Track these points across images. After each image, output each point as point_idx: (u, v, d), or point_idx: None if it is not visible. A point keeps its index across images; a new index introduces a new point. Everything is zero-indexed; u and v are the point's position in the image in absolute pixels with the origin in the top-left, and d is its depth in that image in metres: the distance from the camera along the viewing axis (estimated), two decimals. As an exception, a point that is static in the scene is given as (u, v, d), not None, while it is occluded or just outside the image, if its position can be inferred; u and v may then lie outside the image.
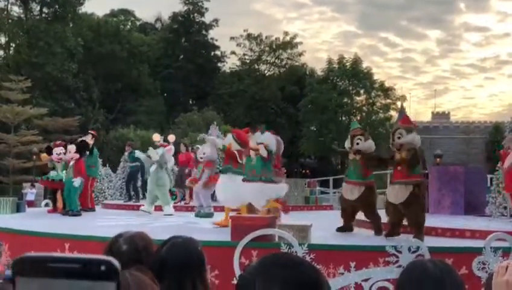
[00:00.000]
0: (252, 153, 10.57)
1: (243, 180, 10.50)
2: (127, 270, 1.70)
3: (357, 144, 10.05)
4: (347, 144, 10.34)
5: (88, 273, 0.86)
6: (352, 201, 9.98)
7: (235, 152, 11.17)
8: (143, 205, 14.91)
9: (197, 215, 13.27)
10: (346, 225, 10.38)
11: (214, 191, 12.53)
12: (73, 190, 13.60)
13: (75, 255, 0.90)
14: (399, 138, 9.11)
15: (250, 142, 10.80)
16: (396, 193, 8.99)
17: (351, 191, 9.98)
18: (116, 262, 0.88)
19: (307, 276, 1.39)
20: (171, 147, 14.74)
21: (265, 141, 10.51)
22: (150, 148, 14.65)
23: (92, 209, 15.29)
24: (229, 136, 11.72)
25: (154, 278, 2.13)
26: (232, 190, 10.76)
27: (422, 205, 9.21)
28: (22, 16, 51.04)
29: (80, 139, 15.03)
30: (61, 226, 10.72)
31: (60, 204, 14.51)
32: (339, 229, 10.33)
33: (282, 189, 10.80)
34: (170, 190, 14.81)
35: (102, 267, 0.87)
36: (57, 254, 0.89)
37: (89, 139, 15.07)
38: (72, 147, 13.90)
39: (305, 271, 1.41)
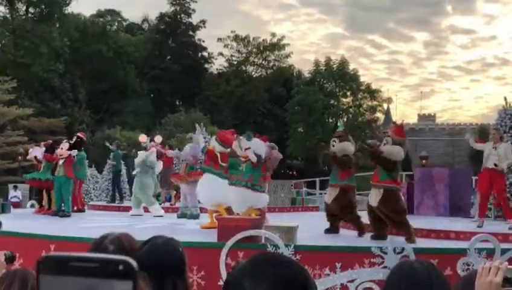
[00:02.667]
0: (242, 160, 10.51)
1: (229, 184, 10.44)
2: None
3: (333, 146, 10.18)
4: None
5: (107, 272, 0.90)
6: (330, 204, 10.16)
7: (217, 154, 11.12)
8: (128, 205, 14.91)
9: (179, 217, 13.28)
10: (332, 226, 10.46)
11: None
12: (65, 190, 13.58)
13: (95, 254, 0.95)
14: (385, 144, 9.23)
15: (236, 147, 10.75)
16: (371, 195, 9.26)
17: (329, 194, 10.17)
18: (134, 262, 0.93)
19: (296, 274, 1.40)
20: (154, 150, 14.64)
21: (253, 147, 10.50)
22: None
23: (82, 210, 15.31)
24: (213, 138, 11.74)
25: (146, 277, 2.11)
26: (210, 190, 10.80)
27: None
28: (8, 15, 50.65)
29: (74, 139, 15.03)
30: (47, 227, 10.68)
31: (45, 203, 14.45)
32: (327, 231, 10.40)
33: (265, 200, 10.80)
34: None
35: (120, 267, 0.91)
36: (78, 253, 0.94)
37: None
38: (65, 145, 13.88)
39: (295, 269, 1.42)
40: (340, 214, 10.32)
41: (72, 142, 14.38)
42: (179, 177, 13.18)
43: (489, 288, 1.98)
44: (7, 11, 50.63)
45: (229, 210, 10.80)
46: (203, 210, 12.88)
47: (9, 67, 45.01)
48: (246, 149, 10.28)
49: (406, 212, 9.51)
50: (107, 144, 20.12)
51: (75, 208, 14.92)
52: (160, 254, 2.57)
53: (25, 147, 34.25)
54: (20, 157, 33.62)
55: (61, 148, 13.82)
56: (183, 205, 13.47)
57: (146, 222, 12.40)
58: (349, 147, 10.36)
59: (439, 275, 2.09)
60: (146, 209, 14.53)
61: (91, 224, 11.60)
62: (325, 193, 24.87)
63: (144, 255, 2.55)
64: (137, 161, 14.26)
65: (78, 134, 15.76)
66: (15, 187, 24.92)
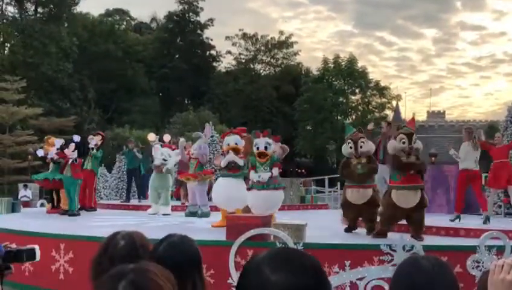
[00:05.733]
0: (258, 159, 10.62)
1: (249, 189, 10.59)
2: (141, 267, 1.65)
3: (361, 147, 9.89)
4: (346, 150, 10.10)
5: None
6: (360, 205, 9.78)
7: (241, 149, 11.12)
8: (137, 204, 14.92)
9: (187, 215, 13.28)
10: (354, 226, 10.30)
11: (209, 191, 12.58)
12: (72, 190, 13.66)
13: None
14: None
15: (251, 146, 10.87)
16: (406, 198, 8.99)
17: (360, 195, 9.76)
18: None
19: (315, 264, 1.45)
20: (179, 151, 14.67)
21: (273, 147, 10.60)
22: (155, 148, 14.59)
23: (94, 209, 15.36)
24: (233, 137, 11.36)
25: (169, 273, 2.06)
26: (231, 195, 10.79)
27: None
28: (17, 16, 50.90)
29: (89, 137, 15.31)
30: (56, 226, 10.72)
31: (63, 204, 14.46)
32: (348, 230, 10.24)
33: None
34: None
35: None
36: None
37: (98, 140, 15.18)
38: (72, 145, 13.96)
39: (313, 260, 1.47)
40: (368, 213, 9.91)
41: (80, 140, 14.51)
42: (190, 175, 13.16)
43: (502, 286, 1.96)
44: (16, 11, 50.89)
45: (245, 209, 10.91)
46: (213, 208, 12.89)
47: (18, 67, 45.22)
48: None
49: None
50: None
51: (89, 206, 15.09)
52: (178, 252, 2.59)
53: (35, 147, 34.43)
54: (29, 156, 33.75)
55: (69, 149, 13.90)
56: (192, 203, 13.48)
57: (155, 221, 12.43)
58: (373, 145, 10.28)
59: (446, 270, 2.08)
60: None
61: (101, 223, 11.63)
62: (334, 191, 24.89)
63: (163, 252, 2.57)
64: (170, 164, 14.25)
65: (100, 132, 15.92)
66: (25, 186, 25.03)
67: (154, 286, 1.54)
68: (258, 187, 10.37)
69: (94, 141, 14.97)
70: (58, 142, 14.49)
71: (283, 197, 11.14)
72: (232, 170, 10.98)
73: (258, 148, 10.43)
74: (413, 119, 10.09)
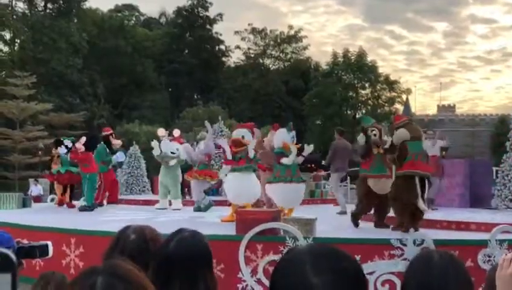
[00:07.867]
0: (292, 150, 10.88)
1: (271, 181, 10.82)
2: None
3: (374, 135, 9.92)
4: (362, 139, 10.05)
5: None
6: (382, 195, 9.66)
7: (250, 149, 11.06)
8: (148, 199, 14.95)
9: (195, 210, 13.31)
10: (380, 220, 10.12)
11: (219, 187, 12.61)
12: (89, 185, 13.72)
13: None
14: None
15: (273, 139, 11.07)
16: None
17: (383, 184, 9.69)
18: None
19: (357, 270, 1.42)
20: (187, 144, 14.73)
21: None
22: (155, 141, 14.44)
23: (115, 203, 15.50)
24: (240, 130, 11.48)
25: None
26: (243, 189, 10.80)
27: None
28: (27, 11, 51.06)
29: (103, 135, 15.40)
30: (66, 221, 10.75)
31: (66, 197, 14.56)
32: (378, 226, 10.07)
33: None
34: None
35: None
36: None
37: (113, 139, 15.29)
38: (82, 139, 14.00)
39: (355, 264, 1.43)
40: (398, 205, 9.44)
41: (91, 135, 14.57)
42: (190, 174, 13.36)
43: (510, 281, 1.95)
44: (26, 7, 51.05)
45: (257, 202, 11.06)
46: (224, 203, 12.91)
47: (28, 63, 45.41)
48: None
49: None
50: None
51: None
52: (189, 247, 2.54)
53: (45, 142, 34.60)
54: (40, 152, 33.91)
55: (80, 142, 13.94)
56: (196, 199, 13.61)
57: (165, 216, 12.44)
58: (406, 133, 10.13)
59: (458, 265, 2.06)
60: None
61: (111, 217, 11.67)
62: (344, 185, 24.80)
63: (173, 250, 2.53)
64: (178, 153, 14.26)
65: (107, 132, 15.88)
66: (36, 182, 25.15)
67: (134, 274, 1.52)
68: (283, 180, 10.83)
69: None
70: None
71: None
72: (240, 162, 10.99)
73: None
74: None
